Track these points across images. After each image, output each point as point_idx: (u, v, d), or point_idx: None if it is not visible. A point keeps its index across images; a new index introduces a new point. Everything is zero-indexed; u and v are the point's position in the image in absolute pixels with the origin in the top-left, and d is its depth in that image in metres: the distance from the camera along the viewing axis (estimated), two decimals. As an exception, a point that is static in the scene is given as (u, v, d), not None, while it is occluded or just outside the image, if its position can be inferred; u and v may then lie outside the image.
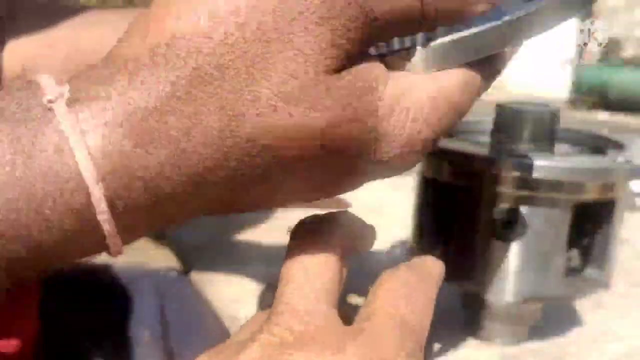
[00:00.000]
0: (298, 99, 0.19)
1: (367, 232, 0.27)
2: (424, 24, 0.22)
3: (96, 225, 0.19)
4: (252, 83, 0.19)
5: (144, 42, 0.19)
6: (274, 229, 0.74)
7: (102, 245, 0.20)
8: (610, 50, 9.23)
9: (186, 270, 0.63)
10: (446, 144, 0.42)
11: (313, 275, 0.22)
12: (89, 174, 0.18)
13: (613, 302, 0.57)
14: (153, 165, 0.19)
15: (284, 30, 0.19)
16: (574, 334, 0.51)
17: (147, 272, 0.56)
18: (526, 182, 0.40)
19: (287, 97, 0.19)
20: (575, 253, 0.45)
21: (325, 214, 0.25)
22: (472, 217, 0.43)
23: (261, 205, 0.24)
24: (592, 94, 9.15)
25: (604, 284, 0.45)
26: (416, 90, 0.22)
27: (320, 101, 0.19)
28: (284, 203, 0.24)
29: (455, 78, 0.23)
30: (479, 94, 0.24)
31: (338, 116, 0.20)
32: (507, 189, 0.41)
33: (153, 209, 0.20)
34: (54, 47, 0.43)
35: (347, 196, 0.86)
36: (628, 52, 9.19)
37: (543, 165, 0.38)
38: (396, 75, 0.22)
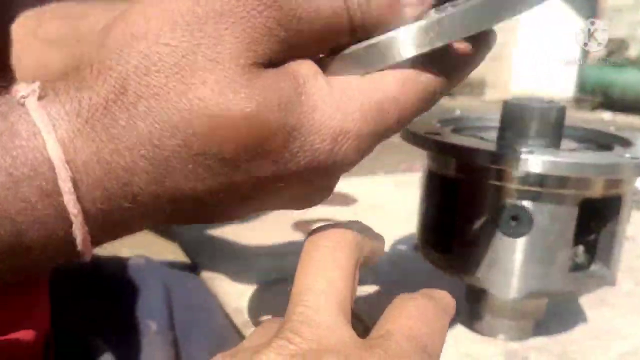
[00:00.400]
0: (223, 88, 0.21)
1: (378, 243, 0.27)
2: (355, 31, 0.23)
3: (65, 212, 0.21)
4: (181, 77, 0.21)
5: (101, 49, 0.22)
6: (278, 222, 0.74)
7: (70, 238, 0.22)
8: (615, 50, 9.20)
9: (192, 263, 0.63)
10: (452, 139, 0.42)
11: (332, 286, 0.22)
12: (57, 157, 0.21)
13: (618, 300, 0.57)
14: (109, 151, 0.21)
15: (210, 29, 0.21)
16: (578, 331, 0.51)
17: (154, 265, 0.57)
18: (532, 178, 0.40)
19: (213, 87, 0.21)
20: (580, 249, 0.45)
21: (340, 222, 0.25)
22: (477, 212, 0.43)
23: (220, 212, 0.25)
24: (595, 94, 9.13)
25: (610, 281, 0.45)
26: (349, 90, 0.23)
27: (243, 90, 0.21)
28: (243, 208, 0.25)
29: (392, 78, 0.24)
30: (430, 93, 0.25)
31: (259, 105, 0.21)
32: (512, 185, 0.41)
33: (116, 198, 0.22)
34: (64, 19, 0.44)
35: (353, 193, 0.87)
36: (632, 52, 9.15)
37: (549, 160, 0.38)
38: (331, 76, 0.24)
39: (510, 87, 10.82)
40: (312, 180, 0.25)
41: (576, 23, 10.89)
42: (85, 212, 0.22)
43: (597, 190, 0.41)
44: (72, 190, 0.21)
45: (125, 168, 0.22)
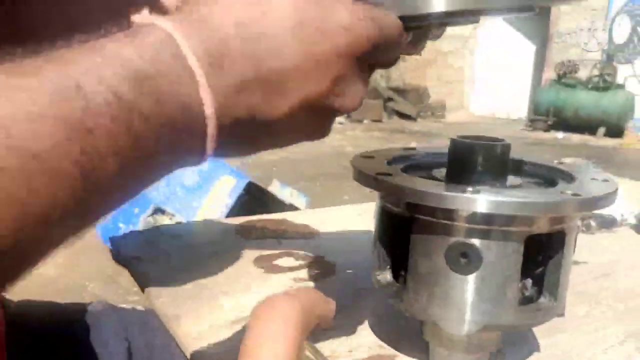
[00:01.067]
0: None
1: (328, 307, 0.28)
2: None
3: (198, 99, 0.28)
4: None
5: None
6: (239, 257, 0.74)
7: (201, 119, 0.29)
8: (566, 72, 9.53)
9: (150, 305, 0.63)
10: (402, 180, 0.44)
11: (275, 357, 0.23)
12: (195, 63, 0.28)
13: (573, 325, 0.59)
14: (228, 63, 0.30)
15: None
16: (535, 357, 0.53)
17: (114, 309, 0.56)
18: (479, 217, 0.41)
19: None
20: (529, 282, 0.47)
21: (286, 292, 0.27)
22: (428, 249, 0.44)
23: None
24: (549, 115, 9.41)
25: (558, 312, 0.46)
26: None
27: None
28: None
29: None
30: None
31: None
32: (461, 223, 0.42)
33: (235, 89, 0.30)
34: None
35: (316, 225, 0.87)
36: (582, 74, 9.50)
37: (495, 200, 0.40)
38: None
39: (470, 110, 11.10)
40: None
41: (528, 48, 11.24)
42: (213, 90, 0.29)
43: (542, 227, 0.43)
44: (207, 86, 0.29)
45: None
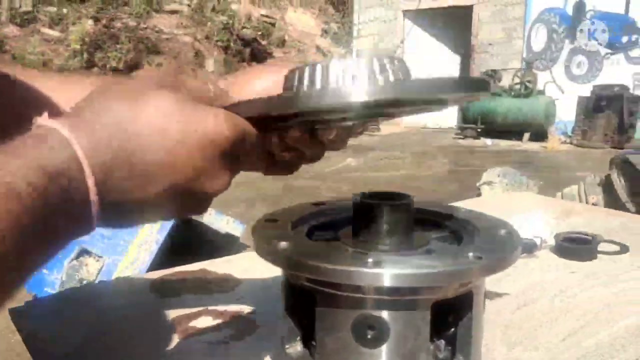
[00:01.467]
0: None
1: None
2: None
3: (85, 187, 0.35)
4: None
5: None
6: (155, 325, 0.70)
7: (87, 206, 0.35)
8: (492, 80, 9.89)
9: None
10: (301, 253, 0.41)
11: None
12: (81, 154, 0.35)
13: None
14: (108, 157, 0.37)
15: None
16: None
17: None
18: (384, 289, 0.40)
19: None
20: (442, 344, 0.45)
21: None
22: (334, 323, 0.42)
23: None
24: (477, 123, 9.73)
25: (473, 371, 0.45)
26: None
27: None
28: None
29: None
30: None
31: None
32: (366, 296, 0.40)
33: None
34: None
35: (238, 272, 0.83)
36: (505, 82, 9.88)
37: (398, 274, 0.38)
38: None
39: (403, 122, 11.32)
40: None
41: (453, 59, 11.64)
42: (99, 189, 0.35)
43: (448, 292, 0.41)
44: (91, 174, 0.35)
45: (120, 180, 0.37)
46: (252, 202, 4.90)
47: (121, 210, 0.39)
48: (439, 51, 11.83)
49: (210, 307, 0.73)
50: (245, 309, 0.72)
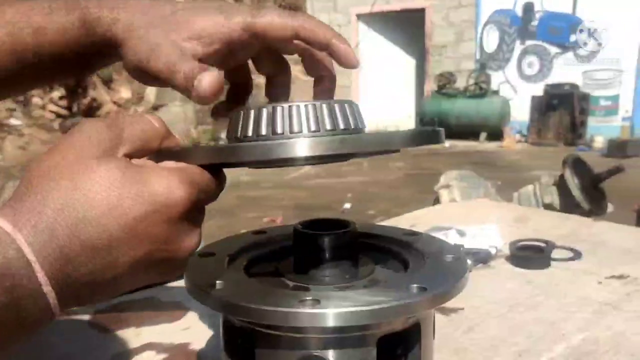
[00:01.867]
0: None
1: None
2: None
3: (37, 281, 0.33)
4: None
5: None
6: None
7: (42, 298, 0.34)
8: (445, 83, 10.04)
9: None
10: (237, 294, 0.39)
11: None
12: (33, 258, 0.33)
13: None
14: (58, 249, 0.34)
15: None
16: None
17: None
18: (326, 329, 0.37)
19: None
20: (392, 377, 0.43)
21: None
22: (276, 365, 0.39)
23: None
24: (434, 124, 9.86)
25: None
26: None
27: None
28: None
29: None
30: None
31: None
32: (308, 335, 0.38)
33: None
34: None
35: (186, 299, 0.79)
36: (460, 83, 10.05)
37: (342, 312, 0.36)
38: None
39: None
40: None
41: (408, 62, 11.76)
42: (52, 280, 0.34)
43: (394, 326, 0.39)
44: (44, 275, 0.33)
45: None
46: (207, 214, 4.82)
47: (95, 290, 0.37)
48: (395, 54, 11.94)
49: (154, 341, 0.70)
50: (192, 342, 0.69)
